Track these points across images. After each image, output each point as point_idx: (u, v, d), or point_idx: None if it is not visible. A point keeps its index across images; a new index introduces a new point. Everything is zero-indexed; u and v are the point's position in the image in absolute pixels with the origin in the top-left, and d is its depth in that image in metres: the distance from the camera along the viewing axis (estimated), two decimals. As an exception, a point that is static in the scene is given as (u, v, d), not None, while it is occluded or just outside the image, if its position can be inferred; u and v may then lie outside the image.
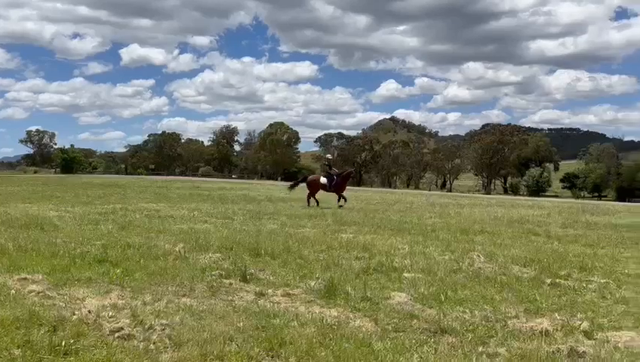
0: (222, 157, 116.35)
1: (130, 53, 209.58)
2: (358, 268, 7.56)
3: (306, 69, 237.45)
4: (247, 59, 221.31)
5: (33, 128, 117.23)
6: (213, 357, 3.97)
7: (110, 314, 4.93)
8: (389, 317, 5.14)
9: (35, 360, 3.81)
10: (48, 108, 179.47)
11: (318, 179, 21.24)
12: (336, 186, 21.02)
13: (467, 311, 5.45)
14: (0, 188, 28.61)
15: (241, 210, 17.14)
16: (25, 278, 6.21)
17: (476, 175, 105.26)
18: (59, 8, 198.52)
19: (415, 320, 5.07)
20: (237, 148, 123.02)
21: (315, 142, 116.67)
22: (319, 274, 6.96)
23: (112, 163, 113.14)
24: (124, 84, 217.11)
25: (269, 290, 6.12)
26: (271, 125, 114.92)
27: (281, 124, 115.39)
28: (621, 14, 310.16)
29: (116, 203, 18.63)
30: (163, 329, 4.56)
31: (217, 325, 4.73)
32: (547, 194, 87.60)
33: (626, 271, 8.11)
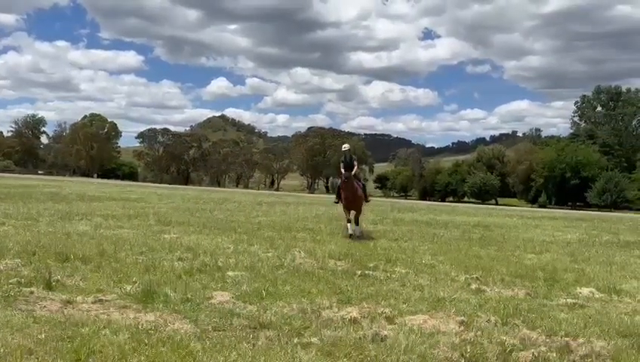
0: (25, 151, 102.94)
1: None
2: (180, 269, 7.36)
3: (130, 58, 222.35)
4: (60, 43, 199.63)
5: None
6: (7, 376, 3.53)
7: None
8: (209, 317, 5.11)
9: None
10: None
11: None
12: (338, 196, 13.24)
13: (286, 304, 5.69)
14: None
15: (48, 211, 15.40)
16: None
17: (302, 175, 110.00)
18: None
19: (236, 318, 5.12)
20: (45, 140, 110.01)
21: (138, 137, 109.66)
22: (137, 277, 6.61)
23: None
24: None
25: (78, 297, 5.62)
26: (85, 117, 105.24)
27: (98, 115, 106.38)
28: (427, 35, 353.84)
29: None
30: (-59, 350, 3.90)
31: (14, 338, 4.21)
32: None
33: (423, 261, 9.24)
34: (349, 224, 12.49)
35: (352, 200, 12.59)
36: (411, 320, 5.37)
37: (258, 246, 10.07)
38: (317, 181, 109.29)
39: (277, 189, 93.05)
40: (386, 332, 4.88)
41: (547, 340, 4.94)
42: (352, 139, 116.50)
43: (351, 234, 12.17)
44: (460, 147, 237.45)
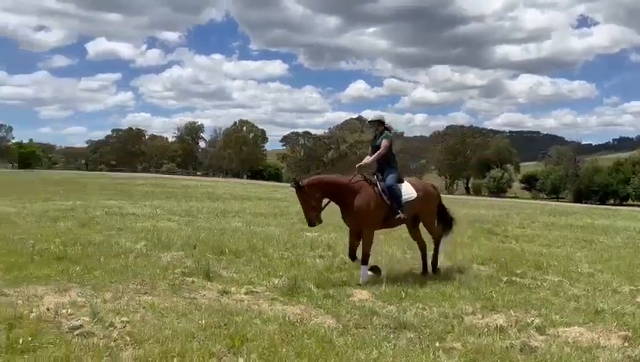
0: (186, 154, 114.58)
1: (97, 46, 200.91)
2: (321, 266, 7.65)
3: (276, 67, 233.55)
4: (216, 56, 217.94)
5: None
6: (175, 354, 3.97)
7: (69, 311, 4.85)
8: (350, 314, 5.24)
9: (-11, 358, 3.73)
10: (9, 101, 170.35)
11: None
12: None
13: (426, 307, 5.60)
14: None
15: (206, 208, 16.99)
16: (-21, 276, 6.04)
17: (440, 175, 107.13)
18: (24, 0, 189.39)
19: (376, 317, 5.18)
20: (202, 145, 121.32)
21: (281, 141, 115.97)
22: (283, 272, 7.01)
23: (73, 158, 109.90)
24: (89, 78, 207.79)
25: (232, 288, 6.14)
26: (236, 123, 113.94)
27: (246, 121, 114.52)
28: (583, 22, 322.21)
29: (76, 200, 18.17)
30: (124, 327, 4.53)
31: (179, 322, 4.73)
32: (508, 195, 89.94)
33: (579, 269, 8.45)
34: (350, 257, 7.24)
35: (347, 211, 7.18)
36: (565, 331, 4.95)
37: (396, 247, 10.03)
38: (456, 182, 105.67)
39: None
40: (536, 343, 4.57)
41: None
42: (496, 137, 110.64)
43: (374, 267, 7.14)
44: (622, 144, 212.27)
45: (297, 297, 5.80)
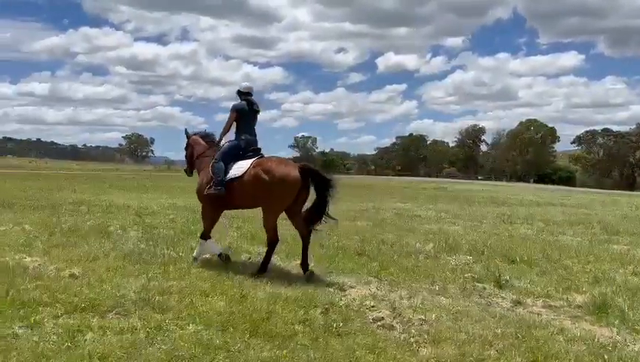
0: (467, 158, 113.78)
1: (386, 61, 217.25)
2: (635, 284, 6.55)
3: (569, 59, 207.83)
4: (501, 55, 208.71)
5: (299, 134, 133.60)
6: (473, 359, 3.94)
7: (371, 303, 5.32)
8: (683, 347, 4.32)
9: (312, 336, 4.35)
10: (314, 116, 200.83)
11: None
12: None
13: None
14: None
15: (490, 213, 16.51)
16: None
17: None
18: (326, 27, 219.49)
19: None
20: (483, 148, 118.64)
21: (573, 142, 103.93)
22: (586, 287, 6.27)
23: (363, 165, 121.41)
24: (378, 90, 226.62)
25: (527, 300, 5.78)
26: (522, 123, 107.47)
27: (534, 121, 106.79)
28: None
29: (368, 201, 19.94)
30: (421, 325, 4.72)
31: (474, 328, 4.68)
32: None
33: None
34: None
35: None
36: None
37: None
38: None
39: None
40: None
41: None
42: None
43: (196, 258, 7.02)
44: None
45: (607, 318, 5.09)
